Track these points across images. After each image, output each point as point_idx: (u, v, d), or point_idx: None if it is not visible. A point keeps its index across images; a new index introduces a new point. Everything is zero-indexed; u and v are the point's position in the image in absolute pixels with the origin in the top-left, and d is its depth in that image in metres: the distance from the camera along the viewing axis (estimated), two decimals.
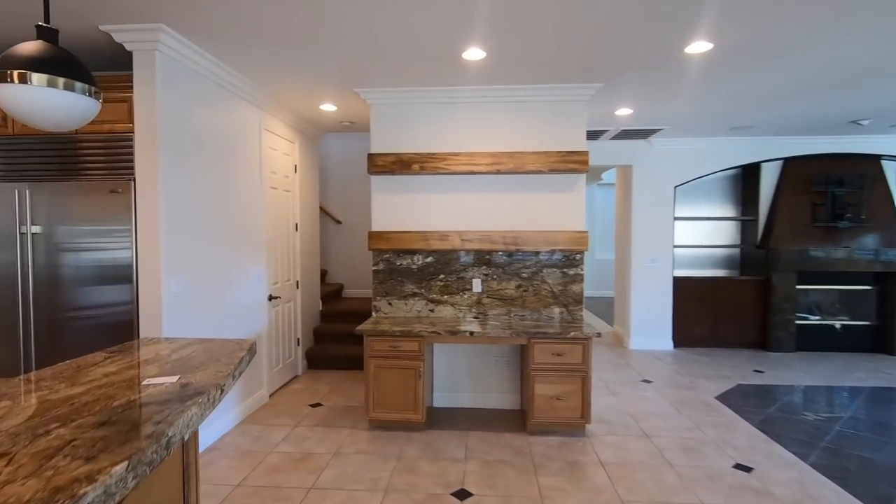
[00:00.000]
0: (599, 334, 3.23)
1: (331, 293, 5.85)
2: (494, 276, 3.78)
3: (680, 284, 5.87)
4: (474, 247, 3.67)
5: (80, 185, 2.85)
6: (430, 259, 3.81)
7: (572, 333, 3.22)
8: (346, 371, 4.94)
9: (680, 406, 3.91)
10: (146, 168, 2.73)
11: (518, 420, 3.62)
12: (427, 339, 3.31)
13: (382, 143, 3.81)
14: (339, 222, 6.32)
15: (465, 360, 3.89)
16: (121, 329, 2.83)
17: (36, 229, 2.86)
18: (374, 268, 3.85)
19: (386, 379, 3.35)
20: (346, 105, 4.24)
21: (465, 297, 3.80)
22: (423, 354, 3.32)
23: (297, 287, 4.73)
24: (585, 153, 3.58)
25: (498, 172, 3.65)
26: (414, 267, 3.82)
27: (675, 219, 5.97)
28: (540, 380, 3.27)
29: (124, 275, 2.82)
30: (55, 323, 2.87)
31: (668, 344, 5.87)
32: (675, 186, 5.84)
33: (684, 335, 5.90)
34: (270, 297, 4.07)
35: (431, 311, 3.83)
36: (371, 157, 3.69)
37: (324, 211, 6.27)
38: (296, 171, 4.69)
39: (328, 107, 4.28)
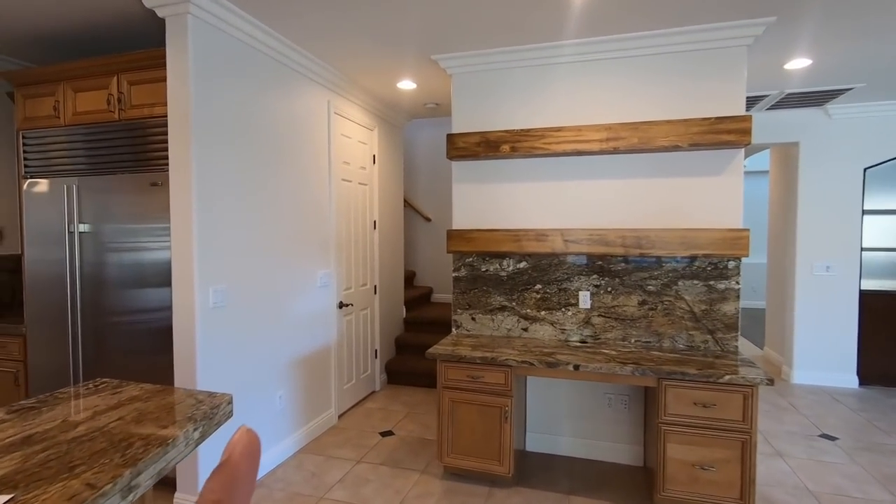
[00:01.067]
0: (771, 381, 2.19)
1: (417, 298, 5.30)
2: (609, 289, 2.87)
3: (870, 301, 4.35)
4: (582, 250, 2.80)
5: (125, 178, 2.54)
6: (523, 265, 3.02)
7: (728, 377, 2.23)
8: (430, 389, 4.33)
9: (893, 484, 2.66)
10: (178, 157, 2.31)
11: (641, 482, 2.68)
12: (517, 369, 2.54)
13: (465, 120, 3.10)
14: (428, 219, 5.76)
15: (569, 394, 3.04)
16: (167, 335, 2.47)
17: (84, 228, 2.62)
18: (454, 274, 3.16)
19: (464, 417, 2.63)
20: (427, 81, 3.60)
21: (569, 313, 2.94)
22: (512, 389, 2.55)
23: (375, 292, 4.21)
24: (747, 119, 2.53)
25: (615, 151, 2.74)
26: (503, 274, 3.06)
27: (864, 212, 4.45)
28: (675, 438, 2.33)
29: (167, 277, 2.46)
30: (102, 327, 2.60)
31: (850, 380, 4.38)
32: (865, 169, 4.33)
33: (877, 369, 4.37)
34: (341, 305, 3.58)
35: (525, 330, 3.03)
36: (451, 138, 3.00)
37: (411, 207, 5.74)
38: (374, 161, 4.17)
39: (406, 84, 3.67)
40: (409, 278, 5.69)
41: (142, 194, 2.50)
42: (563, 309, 2.96)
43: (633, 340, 2.84)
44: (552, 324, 2.98)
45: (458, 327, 3.16)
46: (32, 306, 2.75)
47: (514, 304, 3.04)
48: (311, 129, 3.23)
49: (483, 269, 3.09)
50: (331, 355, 3.48)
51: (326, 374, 3.43)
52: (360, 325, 3.94)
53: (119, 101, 2.53)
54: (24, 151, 2.76)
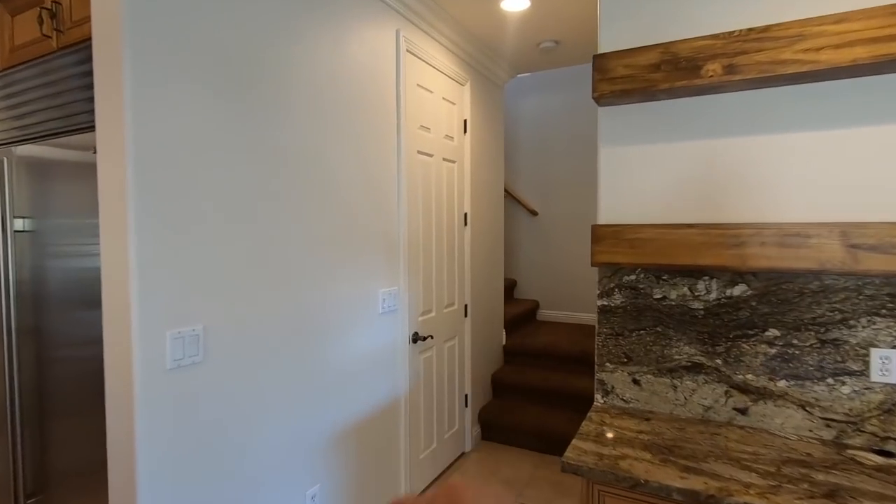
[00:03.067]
0: None
1: (520, 316, 4.03)
2: None
3: None
4: (890, 267, 1.34)
5: (67, 143, 1.56)
6: (739, 290, 1.62)
7: None
8: (541, 454, 3.04)
9: None
10: (105, 102, 1.26)
11: None
12: None
13: (625, 30, 1.75)
14: (534, 213, 4.45)
15: None
16: None
17: (22, 224, 1.69)
18: (601, 302, 1.83)
19: None
20: None
21: (844, 390, 1.49)
22: None
23: (466, 314, 3.01)
24: None
25: None
26: (697, 307, 1.68)
27: None
28: None
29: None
30: (45, 362, 1.66)
31: None
32: None
33: None
34: (416, 338, 2.42)
35: (741, 412, 1.63)
36: (602, 62, 1.68)
37: (511, 196, 4.47)
38: (465, 129, 2.96)
39: (514, 3, 2.41)
40: (509, 289, 4.43)
41: (83, 168, 1.50)
42: (831, 379, 1.51)
43: None
44: (803, 406, 1.55)
45: (606, 394, 1.83)
46: None
47: (718, 361, 1.65)
48: (370, 72, 2.09)
49: (657, 297, 1.74)
50: (400, 413, 2.33)
51: (392, 443, 2.29)
52: (444, 363, 2.76)
53: (54, 16, 1.55)
54: None
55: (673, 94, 1.63)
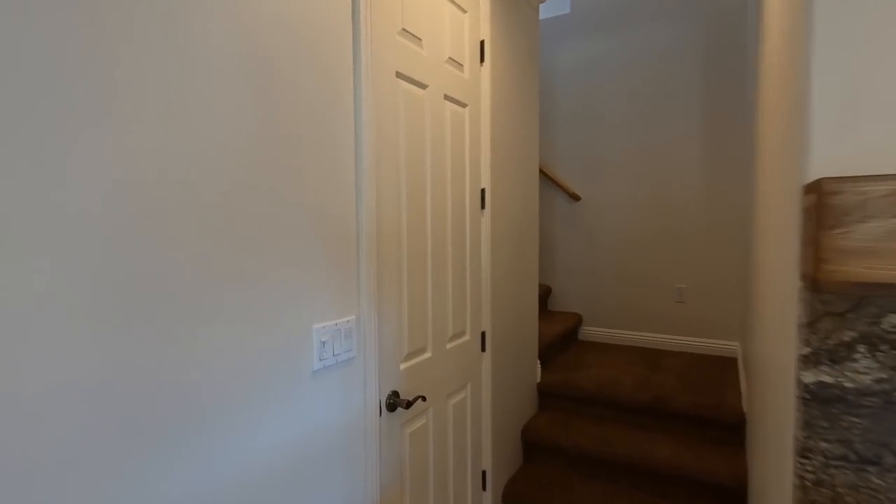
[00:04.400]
0: None
1: (558, 337, 2.96)
2: None
3: None
4: None
5: None
6: None
7: None
8: None
9: None
10: None
11: None
12: None
13: None
14: (575, 198, 3.36)
15: None
16: None
17: None
18: (811, 376, 0.74)
19: None
20: None
21: None
22: None
23: (484, 347, 1.94)
24: None
25: None
26: None
27: None
28: None
29: None
30: None
31: None
32: None
33: None
34: (394, 403, 1.37)
35: None
36: None
37: (544, 175, 3.40)
38: (482, 57, 1.88)
39: None
40: (542, 299, 3.35)
41: None
42: None
43: None
44: None
45: None
46: None
47: None
48: None
49: None
50: None
51: None
52: (446, 432, 1.70)
53: None
54: None
55: None
